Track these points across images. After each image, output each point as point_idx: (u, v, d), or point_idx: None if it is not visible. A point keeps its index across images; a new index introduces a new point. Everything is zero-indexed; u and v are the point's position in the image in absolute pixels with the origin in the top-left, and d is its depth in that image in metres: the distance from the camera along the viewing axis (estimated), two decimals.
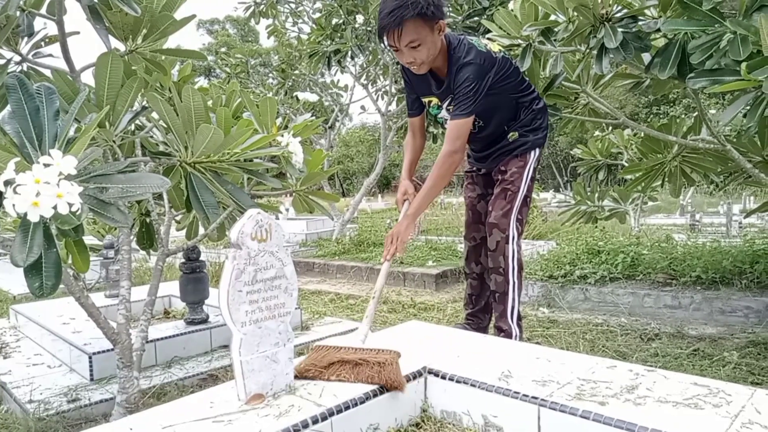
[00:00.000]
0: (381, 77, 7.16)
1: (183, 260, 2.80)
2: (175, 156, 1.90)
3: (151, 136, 2.18)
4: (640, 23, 2.44)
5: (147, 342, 2.60)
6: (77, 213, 1.30)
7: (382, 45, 6.70)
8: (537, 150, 2.49)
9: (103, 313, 3.03)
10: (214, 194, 1.90)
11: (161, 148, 2.09)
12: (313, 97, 8.57)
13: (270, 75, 8.02)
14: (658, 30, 2.36)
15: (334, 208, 8.01)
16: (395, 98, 7.12)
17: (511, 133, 2.47)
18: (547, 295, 3.77)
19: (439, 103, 2.42)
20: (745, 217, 6.63)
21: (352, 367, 1.33)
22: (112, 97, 1.83)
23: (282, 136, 2.07)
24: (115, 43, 2.05)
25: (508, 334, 2.45)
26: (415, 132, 2.60)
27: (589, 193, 4.13)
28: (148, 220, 2.45)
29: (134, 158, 2.09)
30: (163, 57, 2.32)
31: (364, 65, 7.25)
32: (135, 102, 1.98)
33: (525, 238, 7.36)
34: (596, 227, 4.59)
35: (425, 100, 2.46)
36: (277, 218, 5.45)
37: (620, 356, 2.71)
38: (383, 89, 7.24)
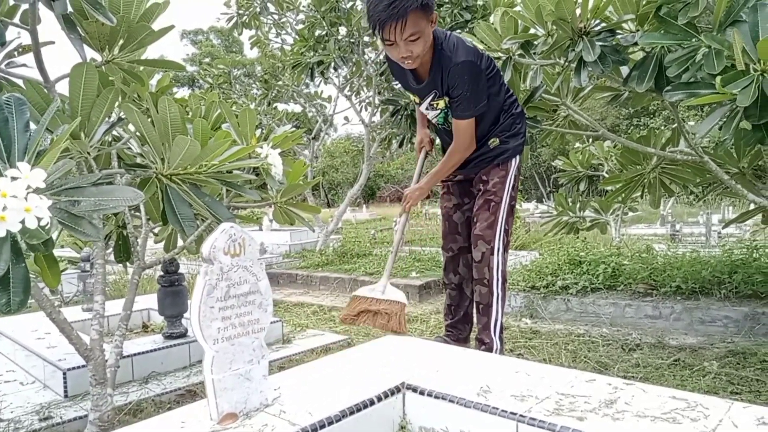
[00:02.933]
0: (364, 88, 7.18)
1: (161, 273, 2.76)
2: (152, 168, 1.87)
3: (129, 148, 2.15)
4: (617, 37, 2.47)
5: (123, 357, 2.54)
6: (46, 227, 1.26)
7: (375, 39, 6.72)
8: (518, 157, 2.48)
9: (81, 327, 2.97)
10: (192, 206, 1.87)
11: (138, 160, 2.06)
12: (297, 108, 8.56)
13: (254, 86, 7.99)
14: (636, 43, 2.39)
15: (318, 219, 7.98)
16: (379, 109, 7.13)
17: (492, 139, 2.44)
18: (529, 305, 3.77)
19: (417, 100, 2.41)
20: (723, 228, 6.72)
21: (372, 315, 1.84)
22: (87, 108, 1.79)
23: (261, 147, 2.05)
24: (92, 53, 2.02)
25: (489, 348, 2.44)
26: (418, 111, 2.63)
27: (570, 204, 4.16)
28: (125, 232, 2.41)
29: (109, 170, 2.06)
30: (142, 67, 2.29)
31: (348, 76, 7.26)
32: (111, 113, 1.95)
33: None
34: (578, 238, 4.61)
35: (408, 95, 2.56)
36: (261, 229, 5.39)
37: (602, 367, 2.71)
38: (367, 100, 7.25)
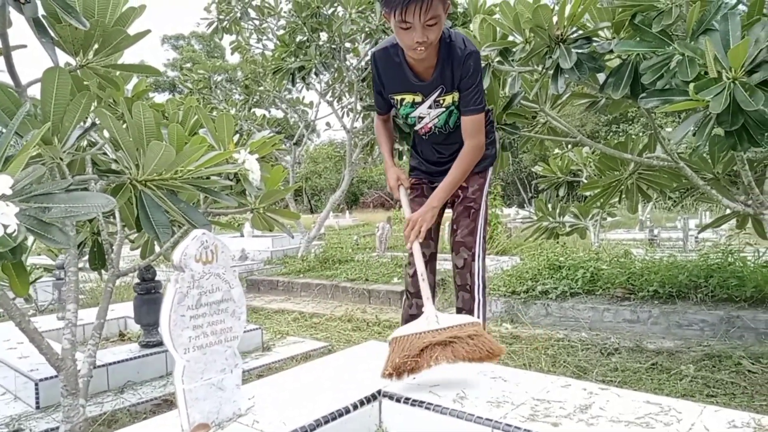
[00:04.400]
0: (346, 94, 7.18)
1: (137, 281, 2.71)
2: (126, 174, 1.84)
3: (104, 153, 2.11)
4: (594, 44, 2.50)
5: (98, 367, 2.50)
6: (13, 234, 1.23)
7: (358, 45, 6.72)
8: (492, 166, 2.51)
9: (56, 336, 2.90)
10: (167, 213, 1.84)
11: (114, 166, 2.02)
12: (278, 114, 8.53)
13: (235, 91, 7.94)
14: (612, 51, 2.42)
15: (300, 225, 7.94)
16: (361, 115, 7.13)
17: None
18: (510, 310, 3.79)
19: (416, 99, 2.27)
20: (699, 233, 6.83)
21: (444, 347, 1.32)
22: (59, 113, 1.76)
23: (239, 153, 2.03)
24: (67, 57, 1.99)
25: None
26: (386, 120, 2.49)
27: (550, 210, 4.19)
28: (100, 239, 2.36)
29: (83, 176, 2.02)
30: (118, 72, 2.26)
31: (330, 82, 7.26)
32: (85, 118, 1.92)
33: (489, 254, 7.42)
34: (558, 243, 4.65)
35: (397, 98, 2.29)
36: (242, 235, 5.34)
37: (581, 371, 2.73)
38: (349, 106, 7.25)
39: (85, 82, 2.08)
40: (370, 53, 2.27)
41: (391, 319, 4.03)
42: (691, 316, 3.19)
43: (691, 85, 2.03)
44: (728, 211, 3.03)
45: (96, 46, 2.00)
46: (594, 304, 3.50)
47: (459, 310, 2.46)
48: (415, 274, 2.58)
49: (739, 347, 2.88)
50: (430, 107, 2.28)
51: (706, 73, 2.10)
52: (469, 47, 2.12)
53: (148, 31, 2.49)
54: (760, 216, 2.76)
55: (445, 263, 5.68)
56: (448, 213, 2.60)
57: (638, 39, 2.33)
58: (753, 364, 2.65)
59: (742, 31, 2.12)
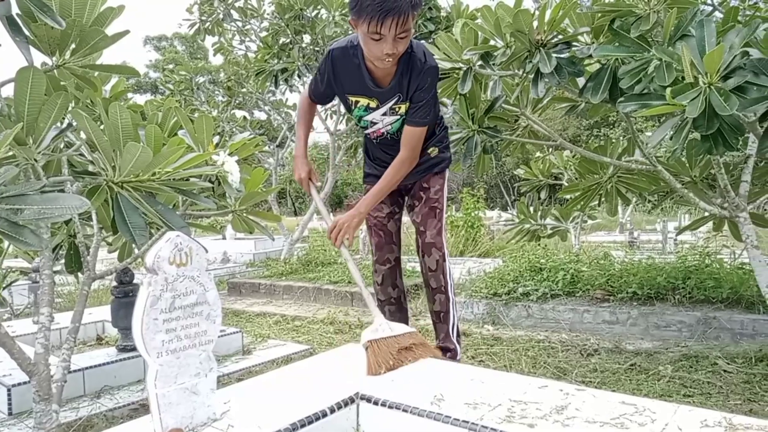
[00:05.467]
0: None
1: (115, 284, 2.67)
2: (102, 175, 1.81)
3: (82, 155, 2.08)
4: (573, 49, 2.53)
5: (74, 371, 2.46)
6: None
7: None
8: (449, 168, 2.54)
9: (32, 340, 2.84)
10: (144, 215, 1.82)
11: (91, 167, 2.00)
12: (262, 116, 8.50)
13: (218, 92, 7.89)
14: (591, 56, 2.45)
15: (283, 227, 7.90)
16: (344, 117, 7.12)
17: (431, 148, 2.44)
18: (491, 312, 3.80)
19: (372, 104, 2.25)
20: (677, 235, 6.93)
21: (407, 351, 1.60)
22: (34, 114, 1.73)
23: (218, 154, 2.01)
24: (44, 57, 1.96)
25: (454, 354, 2.43)
26: (310, 107, 2.48)
27: (532, 212, 4.22)
28: (76, 242, 2.33)
29: (59, 177, 1.99)
30: (96, 73, 2.24)
31: None
32: (61, 119, 1.89)
33: (472, 256, 7.45)
34: (539, 245, 4.69)
35: (352, 99, 2.26)
36: (224, 238, 5.30)
37: (561, 372, 2.75)
38: (332, 108, 7.23)
39: (62, 83, 2.05)
40: (328, 49, 2.24)
41: (368, 321, 4.02)
42: (669, 317, 3.23)
43: (668, 90, 2.06)
44: (706, 214, 3.08)
45: (73, 46, 1.97)
46: (574, 305, 3.53)
47: (437, 314, 2.47)
48: (384, 282, 2.57)
49: (716, 347, 2.93)
50: (384, 114, 2.28)
51: (683, 78, 2.13)
52: (429, 61, 2.15)
53: (126, 32, 2.46)
54: (736, 218, 2.80)
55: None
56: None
57: (617, 44, 2.36)
58: (728, 364, 2.69)
59: (717, 37, 2.15)
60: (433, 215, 2.41)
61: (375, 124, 2.32)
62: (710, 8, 2.80)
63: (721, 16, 2.50)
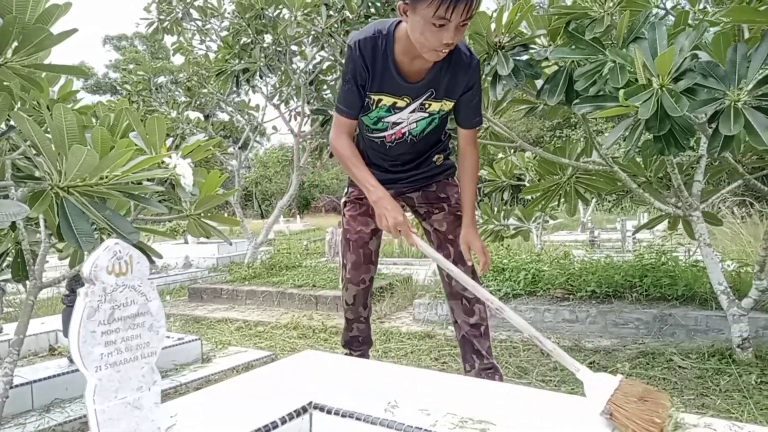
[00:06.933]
0: (294, 98, 7.09)
1: (66, 292, 2.57)
2: (47, 180, 1.74)
3: (28, 158, 1.99)
4: (531, 51, 2.55)
5: (20, 385, 2.35)
6: None
7: (306, 48, 6.62)
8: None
9: None
10: (91, 221, 1.75)
11: (38, 173, 1.91)
12: (224, 117, 8.36)
13: (179, 93, 7.72)
14: (548, 58, 2.47)
15: (247, 230, 7.78)
16: (309, 119, 7.06)
17: (435, 156, 2.25)
18: None
19: (399, 103, 1.97)
20: (633, 234, 7.11)
21: (643, 400, 1.15)
22: None
23: (170, 157, 1.95)
24: None
25: (499, 373, 2.23)
26: (350, 137, 2.05)
27: (495, 213, 4.26)
28: (23, 249, 2.23)
29: (1, 183, 1.90)
30: (44, 73, 2.15)
31: (276, 85, 7.15)
32: (7, 120, 1.81)
33: None
34: (502, 245, 4.73)
35: (374, 98, 1.96)
36: (186, 242, 5.17)
37: (522, 372, 2.77)
38: (297, 109, 7.16)
39: (5, 83, 1.96)
40: (350, 41, 1.89)
41: (338, 325, 3.99)
42: (627, 315, 3.30)
43: (621, 92, 2.09)
44: (661, 213, 3.15)
45: (15, 44, 1.88)
46: (535, 304, 3.57)
47: (476, 327, 2.22)
48: (356, 302, 2.34)
49: (671, 344, 3.00)
50: (412, 111, 2.01)
51: (636, 79, 2.17)
52: (474, 55, 1.96)
53: (74, 30, 2.37)
54: (689, 217, 2.88)
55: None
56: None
57: (572, 46, 2.39)
58: (683, 360, 2.76)
59: (668, 39, 2.20)
60: (459, 223, 2.20)
61: (398, 124, 2.05)
62: (663, 11, 2.86)
63: (674, 20, 2.55)
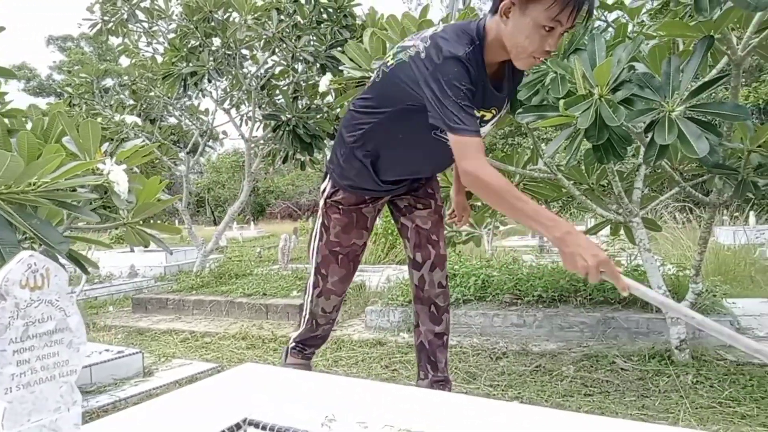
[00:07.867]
0: (245, 102, 6.97)
1: None
2: None
3: None
4: None
5: None
6: None
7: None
8: None
9: None
10: (16, 230, 1.66)
11: None
12: (173, 121, 8.14)
13: (124, 96, 7.46)
14: None
15: (197, 238, 7.58)
16: (261, 124, 6.95)
17: None
18: (407, 319, 3.81)
19: (486, 116, 1.82)
20: None
21: None
22: None
23: (104, 163, 1.87)
24: None
25: (449, 384, 2.20)
26: (489, 163, 1.70)
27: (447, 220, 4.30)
28: None
29: None
30: None
31: (228, 89, 7.02)
32: None
33: (391, 264, 7.50)
34: (454, 251, 4.77)
35: (478, 114, 1.74)
36: (132, 250, 4.97)
37: (471, 377, 2.79)
38: (248, 114, 7.04)
39: None
40: (454, 52, 1.59)
41: (289, 335, 3.92)
42: (572, 318, 3.37)
43: (562, 102, 2.14)
44: (604, 219, 3.24)
45: None
46: (485, 310, 3.61)
47: (440, 336, 2.17)
48: (332, 311, 2.19)
49: (614, 347, 3.08)
50: (493, 123, 1.88)
51: (576, 90, 2.23)
52: None
53: (2, 28, 2.26)
54: (630, 223, 2.97)
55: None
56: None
57: None
58: (625, 362, 2.84)
59: (607, 51, 2.27)
60: (442, 224, 2.13)
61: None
62: (604, 24, 2.95)
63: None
